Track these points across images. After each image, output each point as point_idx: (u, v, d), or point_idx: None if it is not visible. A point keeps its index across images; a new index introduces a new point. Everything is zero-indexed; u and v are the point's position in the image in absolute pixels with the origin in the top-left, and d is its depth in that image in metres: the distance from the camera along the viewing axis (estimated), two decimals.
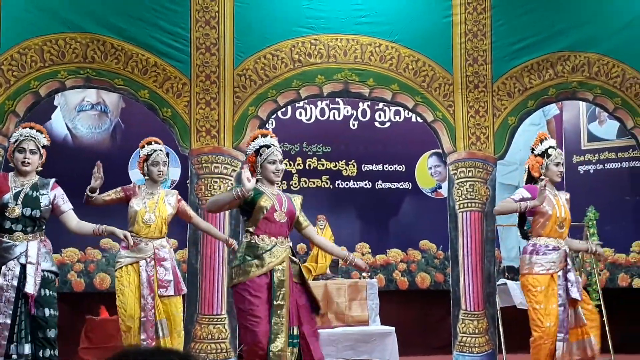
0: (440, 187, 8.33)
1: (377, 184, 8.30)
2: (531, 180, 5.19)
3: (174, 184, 7.52)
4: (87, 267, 7.46)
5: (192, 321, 5.88)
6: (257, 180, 4.31)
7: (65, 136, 7.63)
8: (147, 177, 5.17)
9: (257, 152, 4.34)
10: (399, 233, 8.31)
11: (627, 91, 6.59)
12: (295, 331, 4.17)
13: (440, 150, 6.60)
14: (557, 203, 5.06)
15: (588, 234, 7.31)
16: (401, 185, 8.34)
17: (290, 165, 7.96)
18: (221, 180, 6.06)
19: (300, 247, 7.62)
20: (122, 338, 4.98)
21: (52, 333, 4.36)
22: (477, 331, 6.19)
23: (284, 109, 7.38)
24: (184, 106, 6.08)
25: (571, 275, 4.99)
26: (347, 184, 8.25)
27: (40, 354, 4.33)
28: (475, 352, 6.17)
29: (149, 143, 5.19)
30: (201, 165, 6.08)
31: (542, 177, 5.10)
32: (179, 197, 5.24)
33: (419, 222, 8.29)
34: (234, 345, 5.95)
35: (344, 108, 8.32)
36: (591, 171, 8.22)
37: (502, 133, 6.44)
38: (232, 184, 5.96)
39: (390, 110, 8.35)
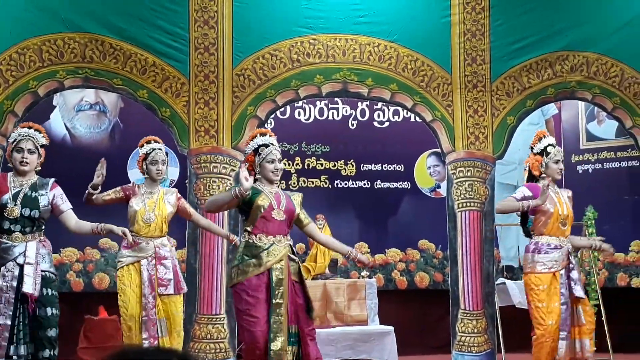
0: (439, 187, 8.33)
1: (376, 184, 8.30)
2: (532, 178, 5.19)
3: (173, 184, 7.51)
4: (86, 267, 7.46)
5: (191, 321, 5.88)
6: (255, 180, 4.32)
7: (64, 136, 7.62)
8: (146, 176, 5.19)
9: (256, 151, 4.35)
10: (397, 233, 8.31)
11: (626, 91, 6.59)
12: (294, 329, 4.18)
13: (439, 150, 6.60)
14: (559, 201, 5.06)
15: (587, 233, 7.32)
16: (400, 184, 8.34)
17: (289, 165, 7.96)
18: (220, 180, 6.06)
19: (299, 247, 7.61)
20: (124, 337, 4.99)
21: (52, 332, 4.35)
22: (476, 331, 6.20)
23: (282, 109, 7.38)
24: (183, 106, 6.08)
25: (574, 274, 5.00)
26: (345, 184, 8.25)
27: (40, 354, 4.32)
28: (474, 352, 6.18)
29: (148, 142, 5.20)
30: (200, 165, 6.08)
31: (543, 175, 5.11)
32: (179, 195, 5.24)
33: (418, 221, 8.28)
34: (232, 344, 5.95)
35: (343, 108, 8.31)
36: (590, 171, 8.22)
37: (501, 133, 6.44)
38: (230, 183, 5.96)
39: (389, 109, 8.34)
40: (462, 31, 6.44)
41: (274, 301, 4.11)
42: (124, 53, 5.98)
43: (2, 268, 4.35)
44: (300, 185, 8.05)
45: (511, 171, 8.19)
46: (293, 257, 4.28)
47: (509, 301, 7.11)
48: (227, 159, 6.11)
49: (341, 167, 8.25)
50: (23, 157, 4.46)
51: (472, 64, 6.43)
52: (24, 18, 5.85)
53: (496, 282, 6.70)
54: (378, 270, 8.11)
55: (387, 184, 8.30)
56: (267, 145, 4.33)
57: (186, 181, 6.18)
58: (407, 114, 8.02)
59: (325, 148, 8.24)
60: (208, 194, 5.97)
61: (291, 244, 4.32)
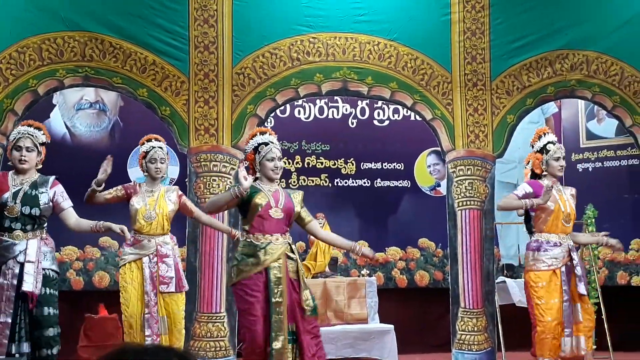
0: (439, 185, 8.34)
1: (376, 182, 8.30)
2: (536, 176, 5.20)
3: (173, 183, 7.51)
4: (86, 265, 7.46)
5: (191, 319, 5.87)
6: (256, 178, 4.34)
7: (63, 135, 7.63)
8: (146, 174, 5.20)
9: (256, 149, 4.37)
10: (397, 231, 8.31)
11: (626, 89, 6.59)
12: (292, 328, 4.19)
13: (439, 149, 6.60)
14: (561, 198, 5.06)
15: (587, 231, 7.31)
16: (400, 183, 8.34)
17: (289, 163, 7.96)
18: (220, 178, 6.06)
19: (299, 245, 7.61)
20: (125, 335, 5.00)
21: (50, 332, 4.35)
22: (476, 329, 6.20)
23: (282, 108, 7.38)
24: (183, 104, 6.08)
25: (578, 270, 4.99)
26: (346, 182, 8.25)
27: (37, 353, 4.32)
28: (474, 350, 6.18)
29: (149, 140, 5.21)
30: (200, 164, 6.08)
31: (544, 173, 5.12)
32: (180, 192, 5.25)
33: (418, 220, 8.28)
34: (233, 343, 5.95)
35: (343, 106, 8.31)
36: (590, 169, 8.22)
37: (501, 131, 6.44)
38: (230, 182, 5.97)
39: (389, 108, 8.34)
40: (462, 30, 6.44)
41: (273, 300, 4.11)
42: (123, 52, 5.98)
43: (3, 266, 4.35)
44: (300, 183, 8.05)
45: (511, 170, 8.19)
46: (291, 255, 4.28)
47: (509, 300, 7.11)
48: (227, 157, 6.11)
49: (341, 165, 8.25)
50: (22, 156, 4.47)
51: (472, 62, 6.43)
52: (23, 17, 5.84)
53: (496, 281, 6.70)
54: (378, 268, 8.12)
55: (387, 183, 8.30)
56: (266, 144, 4.35)
57: (186, 180, 6.17)
58: (407, 112, 8.02)
59: (325, 147, 8.24)
60: (208, 193, 5.98)
61: (290, 242, 4.32)
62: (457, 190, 6.35)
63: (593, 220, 7.41)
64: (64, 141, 7.58)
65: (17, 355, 4.29)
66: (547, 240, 5.03)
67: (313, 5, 6.33)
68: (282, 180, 7.59)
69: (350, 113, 8.34)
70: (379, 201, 8.25)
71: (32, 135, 4.51)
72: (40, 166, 4.58)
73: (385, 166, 8.32)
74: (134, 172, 7.45)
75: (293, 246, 4.36)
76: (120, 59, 5.97)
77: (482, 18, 6.45)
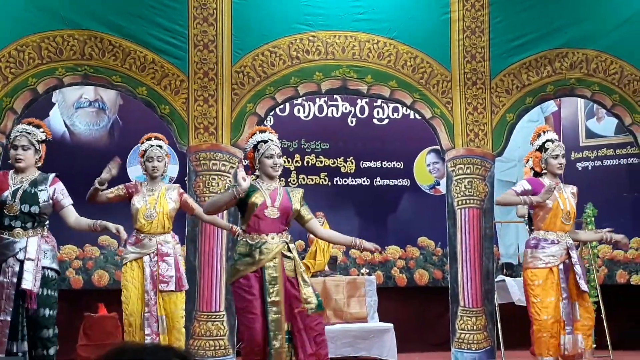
0: (438, 184, 8.33)
1: (376, 181, 8.29)
2: (538, 175, 5.21)
3: (172, 181, 7.50)
4: (86, 264, 7.45)
5: (190, 318, 5.87)
6: (257, 177, 4.36)
7: (63, 133, 7.62)
8: (144, 173, 5.21)
9: (255, 147, 4.39)
10: (397, 230, 8.30)
11: (625, 88, 6.59)
12: (289, 327, 4.19)
13: (438, 147, 6.59)
14: (561, 197, 5.05)
15: (586, 230, 7.31)
16: (399, 182, 8.33)
17: (288, 162, 7.96)
18: (219, 177, 6.06)
19: (299, 244, 7.61)
20: (125, 333, 5.01)
21: (46, 333, 4.32)
22: (475, 328, 6.20)
23: (282, 106, 7.37)
24: (182, 103, 6.08)
25: (577, 268, 4.98)
26: (345, 181, 8.24)
27: (33, 352, 4.32)
28: (473, 349, 6.18)
29: (149, 139, 5.23)
30: (199, 162, 6.07)
31: (544, 171, 5.13)
32: (181, 190, 5.25)
33: (418, 218, 8.28)
34: (232, 342, 5.95)
35: (342, 105, 8.30)
36: (589, 168, 8.22)
37: (501, 130, 6.44)
38: (230, 180, 5.97)
39: (388, 107, 8.34)
40: (461, 28, 6.43)
41: (269, 299, 4.13)
42: (123, 50, 5.97)
43: (3, 264, 4.35)
44: (299, 182, 8.05)
45: (511, 168, 8.19)
46: (288, 254, 4.27)
47: (509, 298, 7.11)
48: (226, 156, 6.10)
49: (340, 164, 8.25)
50: (17, 154, 4.48)
51: (471, 61, 6.42)
52: (23, 15, 5.84)
53: (496, 280, 6.70)
54: (377, 267, 8.12)
55: (386, 181, 8.30)
56: (265, 141, 4.37)
57: (185, 178, 6.17)
58: (406, 111, 8.02)
59: (324, 145, 8.24)
60: (207, 191, 5.98)
61: (288, 240, 4.31)
62: (456, 189, 6.34)
63: (593, 218, 7.41)
64: (63, 140, 7.57)
65: (20, 354, 4.29)
66: (545, 238, 5.03)
67: (312, 3, 6.33)
68: (282, 179, 7.58)
69: (350, 112, 8.33)
70: (378, 200, 8.25)
71: (29, 134, 4.52)
72: (39, 164, 4.59)
73: (384, 165, 8.31)
74: (134, 171, 7.45)
75: (291, 245, 4.34)
76: (119, 57, 5.96)
77: (481, 17, 6.45)
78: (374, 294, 7.30)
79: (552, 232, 5.03)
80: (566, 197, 5.09)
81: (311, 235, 7.17)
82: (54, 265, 4.49)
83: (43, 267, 4.39)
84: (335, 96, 8.09)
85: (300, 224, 4.50)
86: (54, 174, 4.58)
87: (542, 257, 4.98)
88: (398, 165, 8.33)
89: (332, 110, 8.30)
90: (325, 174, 8.21)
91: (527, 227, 6.01)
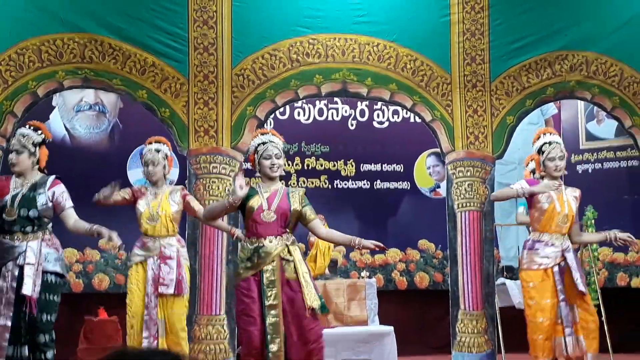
0: (438, 187, 8.33)
1: (376, 184, 8.29)
2: (543, 177, 5.21)
3: (172, 184, 7.50)
4: (86, 267, 7.45)
5: (190, 322, 5.86)
6: (260, 179, 4.39)
7: (63, 136, 7.62)
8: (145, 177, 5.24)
9: (256, 150, 4.43)
10: (397, 233, 8.30)
11: (625, 90, 6.59)
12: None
13: (438, 150, 6.59)
14: (559, 199, 5.04)
15: (587, 232, 7.31)
16: (400, 185, 8.33)
17: (288, 165, 7.96)
18: (219, 180, 6.05)
19: (299, 247, 7.59)
20: (127, 336, 5.02)
21: (43, 338, 4.29)
22: (476, 331, 6.19)
23: (282, 109, 7.37)
24: (182, 106, 6.08)
25: (574, 270, 4.92)
26: (345, 184, 8.24)
27: (31, 356, 4.31)
28: (474, 352, 6.17)
29: (150, 143, 5.24)
30: (199, 166, 6.07)
31: (542, 173, 5.13)
32: (185, 192, 5.26)
33: (418, 221, 8.28)
34: (232, 345, 5.94)
35: (342, 108, 8.31)
36: (589, 170, 8.22)
37: (501, 132, 6.44)
38: (230, 183, 5.98)
39: (388, 110, 8.34)
40: (461, 31, 6.43)
41: (266, 303, 4.13)
42: (123, 53, 5.97)
43: (3, 268, 4.34)
44: (299, 185, 8.05)
45: (511, 171, 8.18)
46: (287, 257, 4.25)
47: (509, 301, 7.10)
48: (226, 159, 6.10)
49: (341, 167, 8.25)
50: (10, 158, 4.49)
51: (471, 63, 6.42)
52: (23, 18, 5.84)
53: (496, 283, 6.69)
54: (378, 270, 8.11)
55: (386, 184, 8.30)
56: (264, 143, 4.39)
57: (185, 181, 6.17)
58: (406, 114, 8.02)
59: (324, 148, 8.24)
60: (208, 194, 5.98)
61: (288, 243, 4.29)
62: (456, 192, 6.34)
63: (593, 221, 7.41)
64: (63, 143, 7.57)
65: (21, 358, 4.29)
66: (540, 240, 5.03)
67: (312, 6, 6.33)
68: (282, 182, 7.57)
69: (350, 114, 8.34)
70: (378, 203, 8.25)
71: (24, 137, 4.51)
72: (36, 166, 4.55)
73: (384, 168, 8.31)
74: (134, 174, 7.46)
75: (293, 247, 4.32)
76: (119, 60, 5.96)
77: (481, 19, 6.45)
78: (375, 297, 7.29)
79: (547, 234, 5.02)
80: (565, 199, 5.07)
81: (311, 239, 7.19)
82: (57, 269, 4.44)
83: (45, 272, 4.36)
84: (335, 99, 8.09)
85: (302, 224, 4.47)
86: (54, 177, 4.56)
87: (536, 259, 4.99)
88: (398, 168, 8.33)
89: (332, 113, 8.31)
90: (326, 177, 8.21)
91: (529, 229, 6.01)
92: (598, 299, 6.92)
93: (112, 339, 6.73)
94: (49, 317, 4.34)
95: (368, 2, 6.42)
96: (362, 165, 8.27)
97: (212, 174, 6.06)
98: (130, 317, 4.96)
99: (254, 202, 4.28)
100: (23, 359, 4.31)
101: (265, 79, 6.19)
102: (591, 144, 8.26)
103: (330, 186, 8.20)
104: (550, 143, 5.12)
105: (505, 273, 7.82)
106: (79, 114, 7.67)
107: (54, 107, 7.58)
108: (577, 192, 5.19)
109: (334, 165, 8.23)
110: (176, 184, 7.34)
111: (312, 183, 8.14)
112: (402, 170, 8.34)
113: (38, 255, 4.34)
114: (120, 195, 5.10)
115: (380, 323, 7.21)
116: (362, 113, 8.36)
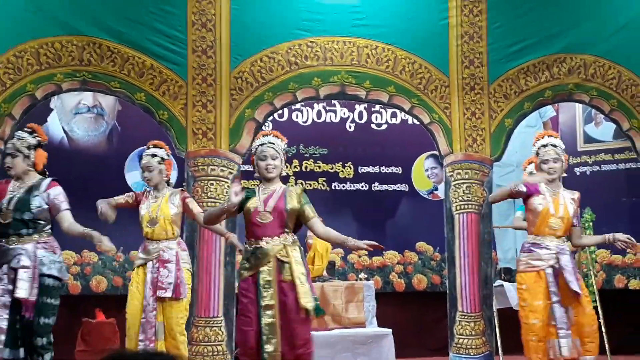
0: (436, 189, 8.34)
1: (374, 186, 8.30)
2: None
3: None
4: (84, 269, 7.45)
5: (188, 324, 5.86)
6: (260, 181, 4.45)
7: (61, 139, 7.63)
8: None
9: (255, 152, 4.45)
10: (395, 235, 8.30)
11: (623, 93, 6.60)
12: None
13: (436, 152, 6.60)
14: (555, 201, 5.02)
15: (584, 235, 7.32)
16: (398, 187, 8.34)
17: (286, 167, 7.94)
18: (217, 182, 6.06)
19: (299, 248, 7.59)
20: (126, 338, 5.03)
21: (40, 341, 4.28)
22: (474, 333, 6.19)
23: (280, 112, 7.38)
24: (181, 109, 6.08)
25: (567, 273, 4.90)
26: (343, 186, 8.25)
27: (28, 359, 4.30)
28: (472, 354, 6.17)
29: (148, 147, 5.26)
30: (197, 168, 6.07)
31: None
32: (185, 194, 5.26)
33: (416, 224, 8.29)
34: (230, 347, 5.94)
35: (341, 110, 8.32)
36: (587, 173, 8.23)
37: (499, 135, 6.45)
38: (228, 186, 5.99)
39: (386, 112, 8.35)
40: (459, 34, 6.44)
41: (262, 303, 4.14)
42: (121, 56, 5.97)
43: None
44: None
45: (509, 173, 8.18)
46: (283, 258, 4.24)
47: (507, 303, 7.10)
48: (224, 161, 6.11)
49: (339, 169, 8.26)
50: (5, 162, 4.50)
51: (469, 66, 6.43)
52: (21, 21, 5.84)
53: (494, 285, 6.70)
54: (376, 272, 8.12)
55: (385, 187, 8.31)
56: (262, 144, 4.40)
57: (184, 184, 6.17)
58: (404, 116, 8.03)
59: (323, 150, 8.25)
60: (206, 197, 5.98)
61: (287, 244, 4.27)
62: (454, 194, 6.35)
63: (591, 223, 7.42)
64: (61, 145, 7.58)
65: None
66: (534, 242, 5.04)
67: (311, 9, 6.33)
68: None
69: (348, 117, 8.34)
70: (376, 205, 8.26)
71: (18, 140, 4.51)
72: (31, 169, 4.53)
73: (383, 170, 8.32)
74: (132, 177, 7.46)
75: (291, 248, 4.28)
76: (118, 63, 5.97)
77: (479, 22, 6.46)
78: (372, 299, 7.30)
79: (540, 237, 5.02)
80: (562, 202, 5.05)
81: (309, 241, 7.20)
82: (53, 272, 4.42)
83: (40, 275, 4.34)
84: (333, 102, 8.10)
85: (302, 222, 4.45)
86: (50, 179, 4.56)
87: (530, 262, 5.00)
88: (396, 170, 8.34)
89: (331, 115, 8.32)
90: (324, 179, 8.22)
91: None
92: (596, 301, 6.92)
93: (109, 341, 6.73)
94: (46, 320, 4.32)
95: (366, 5, 6.43)
96: (360, 167, 8.28)
97: (210, 176, 6.06)
98: (128, 319, 4.98)
99: (251, 204, 4.29)
100: None
101: (264, 81, 6.20)
102: (589, 147, 8.27)
103: (328, 188, 8.20)
104: (545, 145, 5.12)
105: (503, 275, 7.82)
106: (77, 117, 7.68)
107: (52, 110, 7.59)
108: (575, 195, 5.16)
109: (332, 168, 8.24)
110: (174, 187, 7.37)
111: (311, 185, 8.15)
112: (400, 172, 8.35)
113: (33, 258, 4.32)
114: (124, 198, 5.16)
115: (378, 325, 7.22)
116: (360, 115, 8.37)
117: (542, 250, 4.98)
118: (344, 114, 8.33)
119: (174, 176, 7.52)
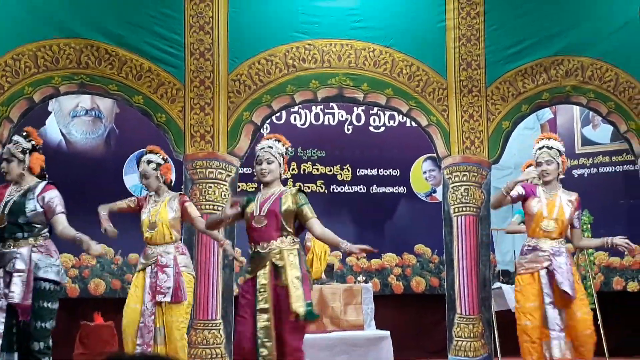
0: (434, 192, 8.33)
1: (372, 189, 8.29)
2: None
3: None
4: (82, 272, 7.44)
5: (187, 327, 5.86)
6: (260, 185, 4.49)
7: (59, 142, 7.62)
8: None
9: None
10: (394, 237, 8.30)
11: (621, 95, 6.61)
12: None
13: (434, 155, 6.61)
14: (550, 203, 5.01)
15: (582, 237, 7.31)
16: (396, 189, 8.33)
17: (285, 170, 7.94)
18: (215, 185, 6.06)
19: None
20: (123, 341, 5.03)
21: (37, 346, 4.22)
22: (472, 335, 6.19)
23: (278, 114, 7.37)
24: (179, 111, 6.08)
25: (558, 275, 4.86)
26: (341, 189, 8.24)
27: None
28: (470, 356, 6.17)
29: (146, 153, 5.25)
30: (195, 171, 6.07)
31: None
32: (184, 198, 5.22)
33: (414, 226, 8.28)
34: (229, 350, 5.94)
35: (339, 113, 8.31)
36: (585, 175, 8.23)
37: (496, 137, 6.46)
38: (227, 189, 6.01)
39: (384, 114, 8.35)
40: (457, 36, 6.45)
41: (258, 307, 4.14)
42: (119, 59, 5.98)
43: None
44: None
45: (507, 175, 8.17)
46: (278, 262, 4.20)
47: (505, 305, 7.10)
48: (222, 164, 6.11)
49: (337, 172, 8.25)
50: (2, 168, 4.49)
51: (467, 68, 6.44)
52: (19, 24, 5.84)
53: (492, 287, 6.70)
54: (374, 275, 8.11)
55: (383, 189, 8.30)
56: (262, 149, 4.41)
57: (182, 187, 6.17)
58: (402, 118, 8.02)
59: (321, 153, 8.24)
60: (204, 200, 5.99)
61: (284, 247, 4.24)
62: (452, 197, 6.35)
63: (589, 226, 7.42)
64: (59, 148, 7.57)
65: None
66: (529, 244, 5.05)
67: (309, 12, 6.34)
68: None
69: (346, 119, 8.34)
70: (375, 207, 8.25)
71: (14, 144, 4.50)
72: (27, 173, 4.49)
73: (381, 172, 8.31)
74: (130, 180, 7.46)
75: (288, 252, 4.23)
76: (115, 66, 5.97)
77: (477, 24, 6.47)
78: (371, 301, 7.29)
79: (536, 239, 5.03)
80: (558, 204, 5.03)
81: (308, 244, 7.19)
82: (50, 276, 4.33)
83: (36, 279, 4.30)
84: (331, 104, 8.10)
85: (302, 223, 4.40)
86: (45, 182, 4.49)
87: (523, 263, 5.01)
88: (394, 172, 8.33)
89: (329, 118, 8.31)
90: (322, 181, 8.21)
91: None
92: (594, 303, 6.93)
93: (108, 344, 6.72)
94: (43, 325, 4.26)
95: (364, 7, 6.44)
96: (358, 170, 8.27)
97: (208, 179, 6.07)
98: (125, 323, 4.96)
99: (250, 209, 4.31)
100: None
101: (262, 84, 6.20)
102: (587, 149, 8.28)
103: (326, 191, 8.20)
104: (540, 148, 5.11)
105: (501, 277, 7.82)
106: (75, 120, 7.67)
107: (50, 113, 7.58)
108: (573, 197, 5.13)
109: (330, 170, 8.23)
110: (172, 190, 7.37)
111: (309, 188, 8.13)
112: (398, 174, 8.34)
113: (28, 262, 4.27)
114: (126, 203, 5.21)
115: (377, 327, 7.21)
116: (358, 118, 8.37)
117: (538, 252, 4.98)
118: (342, 116, 8.32)
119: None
